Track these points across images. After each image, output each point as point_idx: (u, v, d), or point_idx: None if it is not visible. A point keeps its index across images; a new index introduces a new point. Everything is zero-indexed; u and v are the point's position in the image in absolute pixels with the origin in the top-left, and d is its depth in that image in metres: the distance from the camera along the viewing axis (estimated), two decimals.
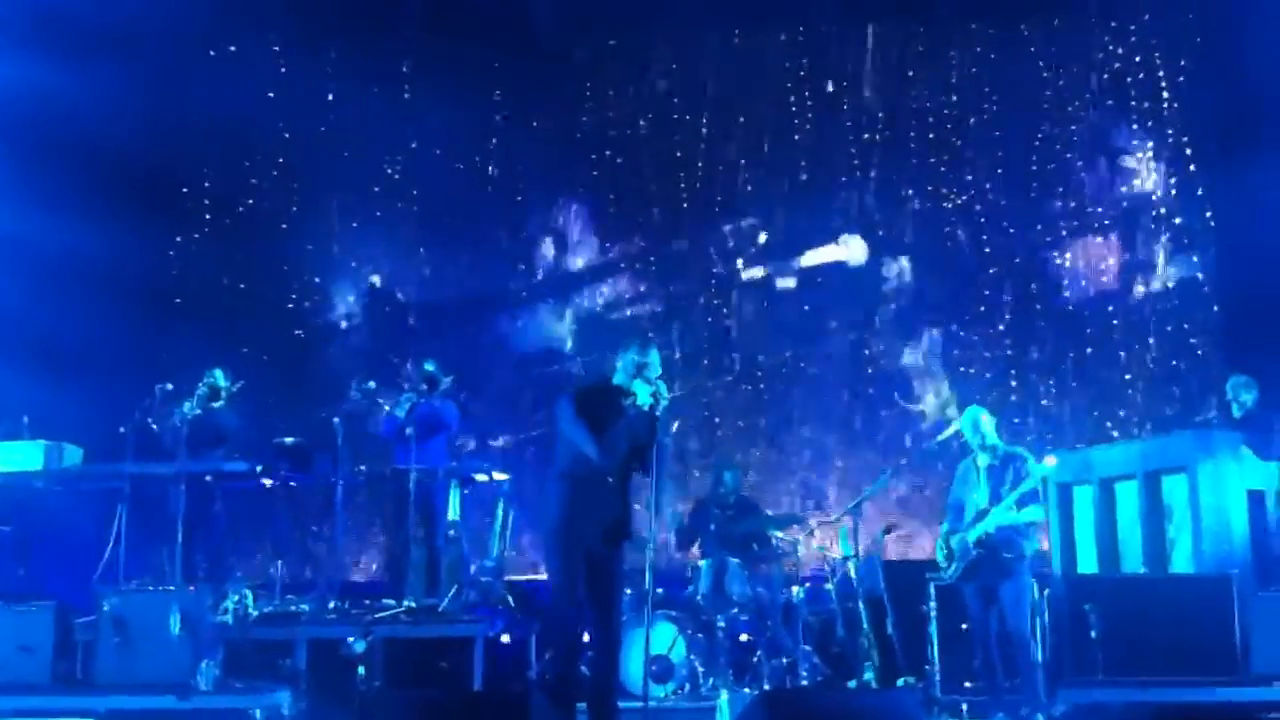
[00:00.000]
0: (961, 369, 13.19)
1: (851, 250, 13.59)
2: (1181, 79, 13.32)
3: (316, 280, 13.69)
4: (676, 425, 12.31)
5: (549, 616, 7.20)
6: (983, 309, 13.35)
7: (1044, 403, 13.03)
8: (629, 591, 9.81)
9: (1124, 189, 13.44)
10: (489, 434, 13.13)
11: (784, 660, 9.62)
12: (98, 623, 8.71)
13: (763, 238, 13.64)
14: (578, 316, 13.72)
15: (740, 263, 13.65)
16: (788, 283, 13.60)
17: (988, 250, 13.41)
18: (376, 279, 13.75)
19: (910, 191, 13.59)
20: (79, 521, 9.80)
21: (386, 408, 10.39)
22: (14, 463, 9.88)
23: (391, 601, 9.67)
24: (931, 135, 13.59)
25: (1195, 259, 13.16)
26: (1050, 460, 8.84)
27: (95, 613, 8.75)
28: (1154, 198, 13.35)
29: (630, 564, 10.05)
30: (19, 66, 11.71)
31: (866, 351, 13.35)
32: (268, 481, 10.00)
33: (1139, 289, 13.27)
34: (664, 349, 12.84)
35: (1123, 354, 13.08)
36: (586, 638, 7.39)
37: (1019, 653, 8.34)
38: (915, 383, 13.21)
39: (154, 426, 9.97)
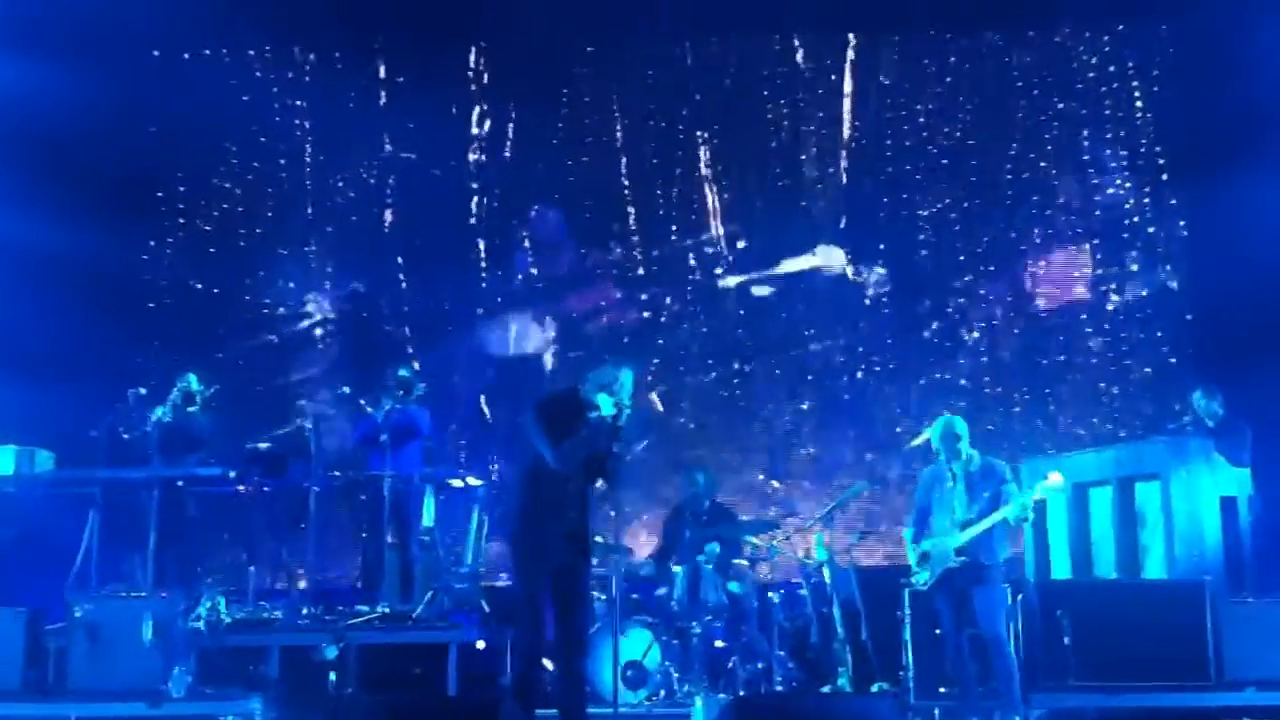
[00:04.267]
0: (937, 376, 13.22)
1: (828, 258, 13.62)
2: (1155, 89, 13.39)
3: (291, 286, 13.63)
4: (645, 444, 12.48)
5: (514, 620, 7.28)
6: (958, 316, 13.40)
7: (1017, 410, 13.09)
8: (603, 597, 9.87)
9: (1097, 199, 13.50)
10: (463, 441, 13.10)
11: (759, 666, 9.62)
12: (69, 629, 8.67)
13: (741, 244, 13.65)
14: (555, 324, 13.70)
15: (718, 270, 13.66)
16: (763, 290, 13.62)
17: (962, 258, 13.46)
18: (359, 285, 13.70)
19: (885, 200, 13.63)
20: (51, 527, 9.74)
21: (369, 409, 10.39)
22: None
23: (366, 607, 9.64)
24: (907, 144, 13.63)
25: (1168, 269, 13.24)
26: (1055, 477, 8.53)
27: (67, 619, 8.71)
28: (1127, 207, 13.41)
29: (607, 569, 10.20)
30: None
31: (841, 359, 13.37)
32: (241, 487, 9.96)
33: (1113, 298, 13.33)
34: (641, 355, 13.10)
35: (1095, 362, 13.16)
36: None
37: (996, 658, 8.34)
38: None
39: (125, 436, 9.95)
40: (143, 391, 10.14)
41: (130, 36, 12.73)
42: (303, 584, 10.01)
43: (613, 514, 12.04)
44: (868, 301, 13.52)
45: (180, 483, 9.86)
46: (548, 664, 7.71)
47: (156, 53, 13.30)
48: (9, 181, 11.63)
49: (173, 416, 10.12)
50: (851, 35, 13.78)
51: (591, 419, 6.98)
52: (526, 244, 13.81)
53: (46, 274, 11.78)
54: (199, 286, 13.40)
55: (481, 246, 13.76)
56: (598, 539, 10.19)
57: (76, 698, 8.39)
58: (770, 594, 9.94)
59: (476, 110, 13.88)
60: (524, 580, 7.10)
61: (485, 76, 13.90)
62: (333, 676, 8.44)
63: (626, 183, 13.80)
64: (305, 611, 9.61)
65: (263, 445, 10.24)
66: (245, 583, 9.96)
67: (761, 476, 13.07)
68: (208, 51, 13.55)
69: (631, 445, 7.22)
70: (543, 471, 7.05)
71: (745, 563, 10.35)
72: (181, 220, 13.53)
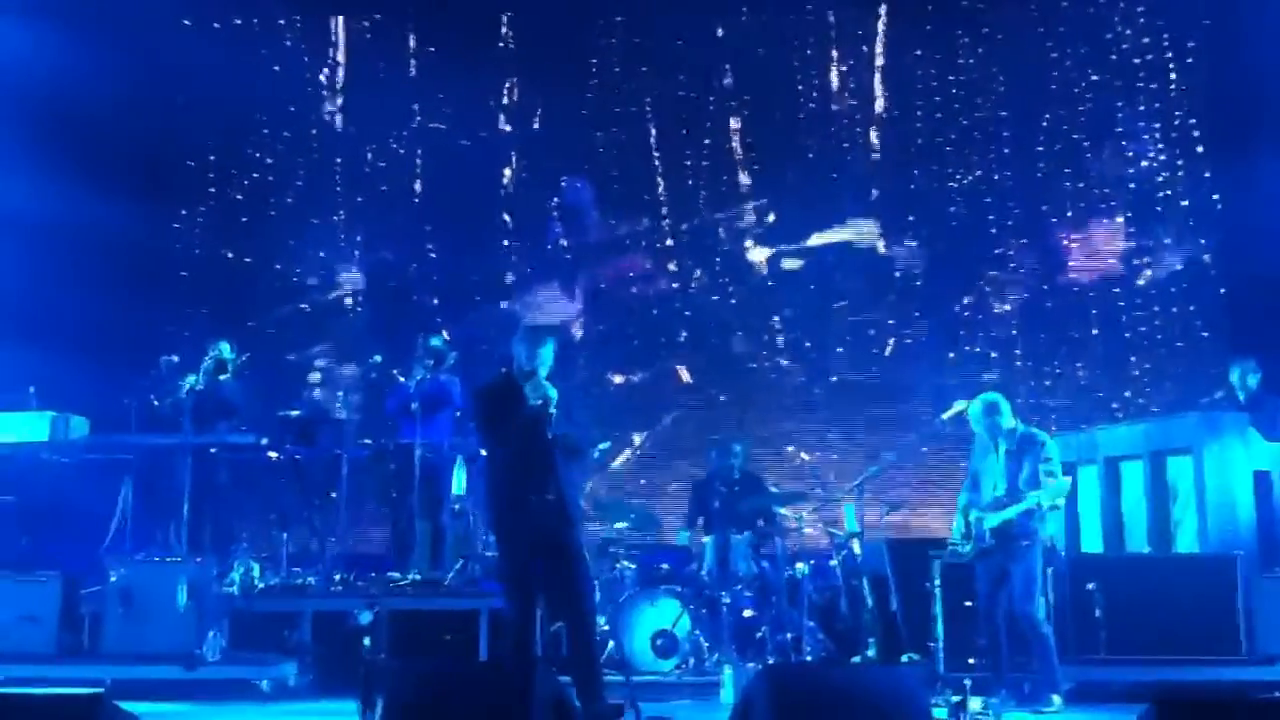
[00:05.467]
0: (967, 349, 13.19)
1: (858, 231, 13.58)
2: (1190, 60, 13.29)
3: (321, 255, 13.67)
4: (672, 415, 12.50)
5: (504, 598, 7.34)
6: (989, 289, 13.35)
7: (1048, 383, 13.05)
8: (632, 566, 9.92)
9: (1131, 171, 13.41)
10: None
11: (788, 636, 9.61)
12: (104, 593, 8.75)
13: (771, 216, 13.63)
14: (583, 294, 13.71)
15: (747, 242, 13.65)
16: (793, 263, 13.59)
17: (994, 231, 13.41)
18: (389, 254, 13.74)
19: (917, 172, 13.58)
20: (85, 493, 9.81)
21: (401, 378, 10.42)
22: (20, 434, 9.88)
23: (397, 574, 9.69)
24: (939, 115, 13.57)
25: (1202, 241, 13.16)
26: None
27: (102, 584, 8.79)
28: (1160, 179, 13.33)
29: (637, 540, 10.26)
30: (26, 41, 11.70)
31: (871, 331, 13.35)
32: (273, 454, 10.00)
33: (1146, 271, 13.27)
34: (670, 326, 13.12)
35: (1128, 335, 13.11)
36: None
37: (1031, 635, 8.28)
38: None
39: (157, 403, 10.00)
40: (175, 359, 10.18)
41: (161, 6, 12.74)
42: (334, 551, 10.03)
43: (642, 483, 12.25)
44: (898, 274, 13.49)
45: (213, 450, 9.90)
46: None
47: (187, 22, 13.30)
48: (43, 153, 11.66)
49: (205, 384, 10.15)
50: (883, 6, 13.70)
51: (530, 403, 7.02)
52: (556, 214, 13.81)
53: (80, 243, 11.83)
54: (230, 256, 13.46)
55: (510, 217, 13.76)
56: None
57: (111, 661, 8.46)
58: (800, 565, 9.93)
59: (506, 81, 13.86)
60: (509, 560, 7.19)
61: (515, 47, 13.87)
62: (366, 642, 8.48)
63: (656, 154, 13.77)
64: (337, 578, 9.66)
65: (294, 413, 10.28)
66: (278, 549, 10.01)
67: (791, 448, 13.02)
68: (239, 21, 13.55)
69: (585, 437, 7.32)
70: (505, 456, 7.14)
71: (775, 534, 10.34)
72: (212, 190, 13.58)
